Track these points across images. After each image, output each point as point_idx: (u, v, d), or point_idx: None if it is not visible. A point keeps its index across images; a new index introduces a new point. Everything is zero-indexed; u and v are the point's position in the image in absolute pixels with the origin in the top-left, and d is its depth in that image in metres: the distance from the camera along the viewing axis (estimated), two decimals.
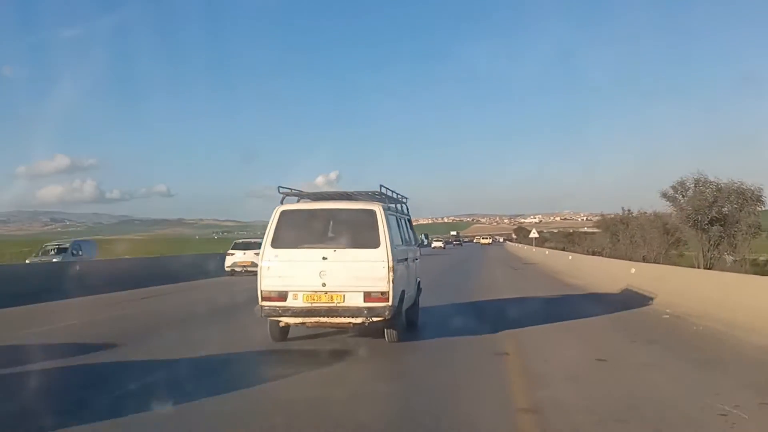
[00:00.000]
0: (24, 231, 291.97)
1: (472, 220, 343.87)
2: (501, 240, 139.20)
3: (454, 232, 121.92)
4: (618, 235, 32.66)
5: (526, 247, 58.70)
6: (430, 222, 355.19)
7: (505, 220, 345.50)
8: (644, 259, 25.80)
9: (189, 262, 26.36)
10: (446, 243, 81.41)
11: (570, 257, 28.41)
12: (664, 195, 23.18)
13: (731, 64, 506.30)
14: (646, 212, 30.97)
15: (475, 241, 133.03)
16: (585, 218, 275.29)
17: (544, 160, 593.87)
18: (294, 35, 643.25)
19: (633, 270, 15.83)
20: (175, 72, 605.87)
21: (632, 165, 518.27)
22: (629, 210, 32.75)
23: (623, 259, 24.93)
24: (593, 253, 34.29)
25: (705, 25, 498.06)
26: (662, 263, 23.36)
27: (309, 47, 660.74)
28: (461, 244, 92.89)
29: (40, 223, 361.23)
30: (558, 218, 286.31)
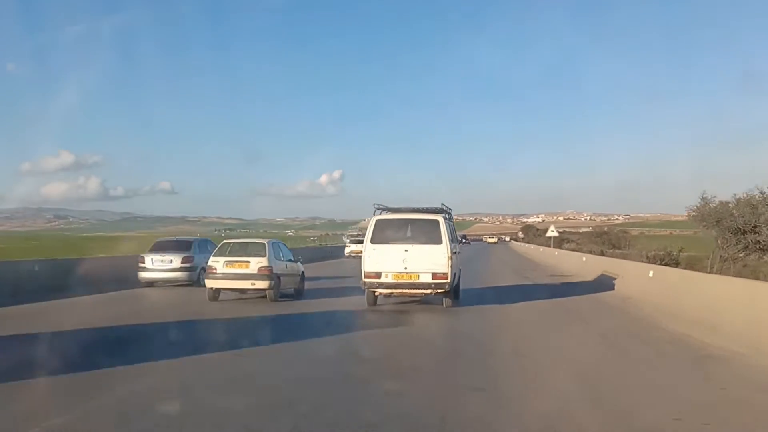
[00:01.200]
0: (27, 227, 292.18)
1: (475, 219, 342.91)
2: (506, 239, 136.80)
3: None
4: (746, 234, 18.29)
5: (542, 248, 45.82)
6: None
7: (508, 220, 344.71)
8: None
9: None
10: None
11: (650, 273, 14.20)
12: None
13: (734, 65, 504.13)
14: None
15: (483, 239, 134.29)
16: (588, 218, 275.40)
17: (547, 160, 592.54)
18: (298, 34, 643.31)
19: None
20: (179, 70, 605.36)
21: (635, 165, 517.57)
22: None
23: None
24: (689, 266, 19.54)
25: (707, 26, 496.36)
26: None
27: (313, 45, 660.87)
28: (469, 243, 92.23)
29: (44, 219, 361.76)
30: (561, 218, 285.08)
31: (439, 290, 11.65)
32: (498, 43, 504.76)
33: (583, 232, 66.05)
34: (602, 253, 32.50)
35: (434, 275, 11.40)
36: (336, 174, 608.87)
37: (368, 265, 11.66)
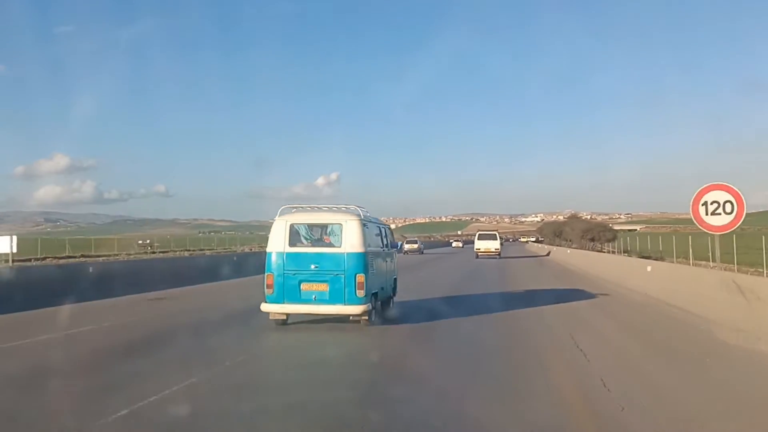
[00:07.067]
0: (13, 231, 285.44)
1: (471, 219, 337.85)
2: (530, 240, 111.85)
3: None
4: None
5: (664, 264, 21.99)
6: (426, 221, 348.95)
7: (506, 219, 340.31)
8: None
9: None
10: (465, 243, 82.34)
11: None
12: None
13: (737, 69, 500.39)
14: None
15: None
16: (588, 217, 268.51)
17: (546, 161, 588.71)
18: (295, 37, 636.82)
19: None
20: (176, 74, 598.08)
21: (635, 166, 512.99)
22: None
23: None
24: None
25: (712, 29, 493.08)
26: None
27: (310, 48, 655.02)
28: (510, 240, 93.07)
29: (33, 223, 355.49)
30: (561, 217, 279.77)
31: (497, 254, 42.78)
32: (501, 43, 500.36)
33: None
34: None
35: (495, 250, 43.22)
36: (333, 176, 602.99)
37: (476, 246, 44.23)
